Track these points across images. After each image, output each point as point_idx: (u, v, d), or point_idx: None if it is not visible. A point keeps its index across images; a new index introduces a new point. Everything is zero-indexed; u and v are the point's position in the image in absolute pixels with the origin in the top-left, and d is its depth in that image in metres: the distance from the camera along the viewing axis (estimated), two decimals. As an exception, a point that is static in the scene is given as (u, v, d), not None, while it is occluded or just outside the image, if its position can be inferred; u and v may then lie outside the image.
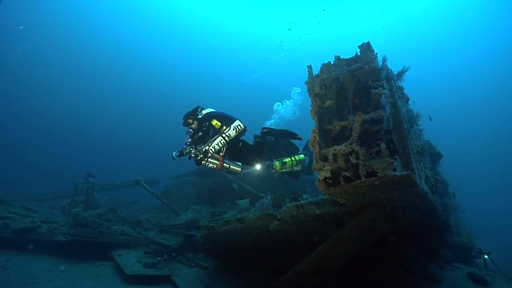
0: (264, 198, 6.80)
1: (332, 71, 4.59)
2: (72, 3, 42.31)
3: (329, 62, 4.76)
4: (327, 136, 4.32)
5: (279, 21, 42.85)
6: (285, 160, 6.31)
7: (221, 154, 6.05)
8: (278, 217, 5.06)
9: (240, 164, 6.34)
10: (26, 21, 39.59)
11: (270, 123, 9.12)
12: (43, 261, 7.53)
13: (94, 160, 40.29)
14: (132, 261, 7.48)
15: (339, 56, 4.71)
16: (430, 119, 7.55)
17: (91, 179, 10.99)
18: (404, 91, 5.57)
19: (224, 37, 49.56)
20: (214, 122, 6.01)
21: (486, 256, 7.71)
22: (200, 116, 6.11)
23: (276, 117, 9.33)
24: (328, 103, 4.51)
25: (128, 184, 13.55)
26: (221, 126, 5.97)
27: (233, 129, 5.95)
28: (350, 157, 3.72)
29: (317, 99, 4.50)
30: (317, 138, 4.06)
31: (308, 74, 4.69)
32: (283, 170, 6.38)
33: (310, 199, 4.98)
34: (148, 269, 7.18)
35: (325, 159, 3.93)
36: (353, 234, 4.50)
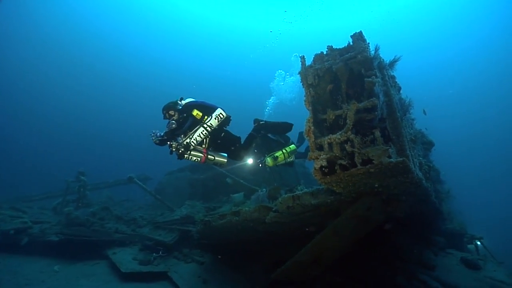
0: (259, 191, 6.76)
1: (325, 61, 4.57)
2: (61, 2, 41.66)
3: (322, 53, 4.74)
4: (322, 126, 4.31)
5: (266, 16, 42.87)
6: (276, 154, 6.24)
7: (204, 146, 5.76)
8: (274, 209, 5.04)
9: (225, 155, 6.05)
10: (17, 19, 38.83)
11: (269, 102, 8.98)
12: (36, 262, 7.42)
13: (86, 159, 39.85)
14: (127, 258, 7.43)
15: (332, 46, 4.69)
16: (424, 113, 7.61)
17: (82, 178, 10.85)
18: (396, 80, 5.60)
19: (215, 33, 49.28)
20: (195, 112, 5.69)
21: (477, 242, 7.85)
22: (180, 107, 5.79)
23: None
24: (329, 87, 4.50)
25: (121, 182, 13.41)
26: (203, 116, 5.67)
27: (215, 118, 5.65)
28: (345, 145, 3.72)
29: (310, 89, 4.48)
30: (312, 127, 4.04)
31: (301, 64, 4.66)
32: (276, 164, 6.34)
33: (305, 190, 4.98)
34: (144, 266, 7.13)
35: (320, 148, 3.92)
36: (350, 223, 4.52)
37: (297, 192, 4.94)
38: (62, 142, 45.63)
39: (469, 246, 8.17)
